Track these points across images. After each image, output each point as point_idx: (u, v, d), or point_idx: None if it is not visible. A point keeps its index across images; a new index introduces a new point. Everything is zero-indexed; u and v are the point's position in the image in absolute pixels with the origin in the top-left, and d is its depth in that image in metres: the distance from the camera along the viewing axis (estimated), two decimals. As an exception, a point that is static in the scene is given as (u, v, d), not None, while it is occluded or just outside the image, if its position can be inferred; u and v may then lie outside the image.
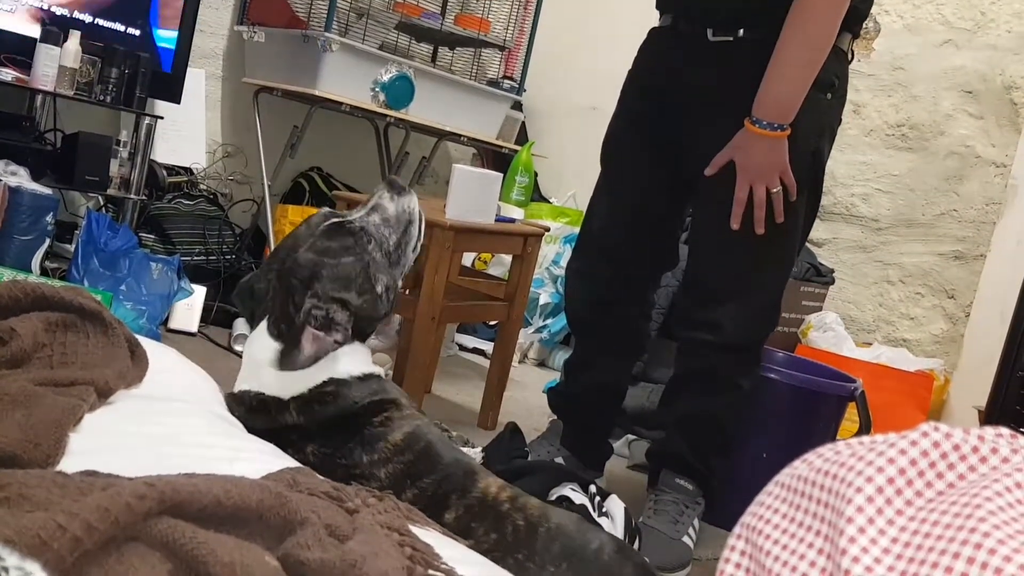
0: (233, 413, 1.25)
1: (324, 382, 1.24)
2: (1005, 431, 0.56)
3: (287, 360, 1.23)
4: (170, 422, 1.07)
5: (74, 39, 2.54)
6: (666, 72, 1.82)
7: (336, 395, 1.24)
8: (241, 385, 1.28)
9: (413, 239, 1.38)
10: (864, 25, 1.82)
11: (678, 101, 1.78)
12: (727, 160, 1.69)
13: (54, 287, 1.14)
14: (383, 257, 1.32)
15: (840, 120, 1.83)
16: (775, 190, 1.67)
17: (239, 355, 2.39)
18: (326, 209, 1.38)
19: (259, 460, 1.03)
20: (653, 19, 1.89)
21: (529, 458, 1.99)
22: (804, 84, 1.62)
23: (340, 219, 1.32)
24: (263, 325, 1.29)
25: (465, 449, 1.54)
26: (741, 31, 1.69)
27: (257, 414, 1.24)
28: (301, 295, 1.25)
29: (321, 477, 0.97)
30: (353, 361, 1.27)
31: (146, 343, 1.25)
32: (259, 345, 1.28)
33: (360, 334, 1.31)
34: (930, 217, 3.43)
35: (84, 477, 0.75)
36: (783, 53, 1.62)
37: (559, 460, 2.00)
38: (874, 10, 3.40)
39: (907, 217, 3.48)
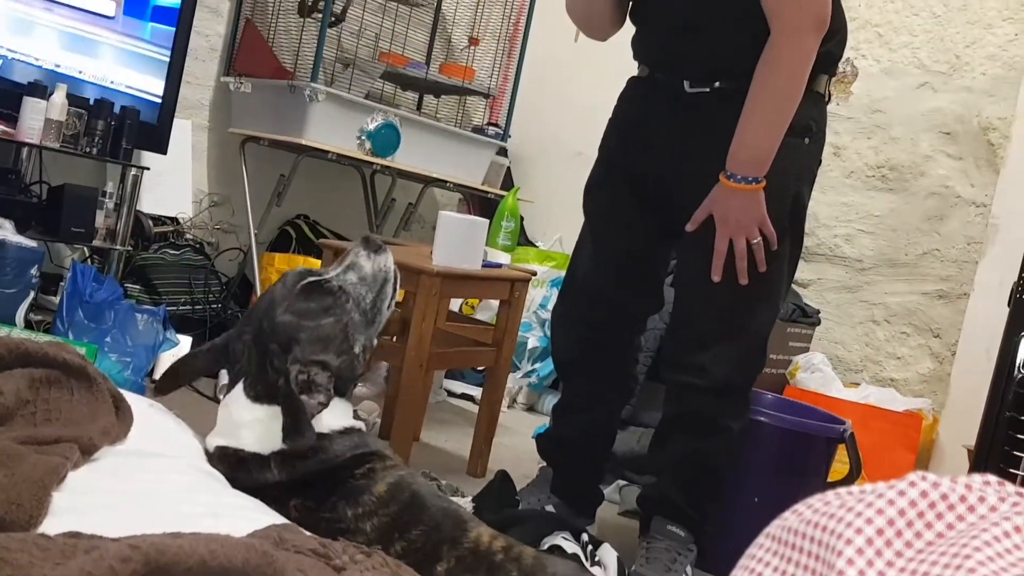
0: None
1: None
2: (992, 479, 0.56)
3: (289, 439, 1.20)
4: (155, 479, 1.06)
5: (60, 92, 2.56)
6: (645, 121, 1.84)
7: (317, 449, 1.22)
8: (215, 441, 1.26)
9: (388, 298, 1.36)
10: (842, 68, 1.86)
11: (657, 149, 1.80)
12: (706, 215, 1.70)
13: (38, 343, 1.14)
14: (360, 316, 1.30)
15: (820, 162, 1.85)
16: (755, 241, 1.68)
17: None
18: (301, 267, 1.37)
19: (244, 516, 1.01)
20: (634, 65, 1.92)
21: (520, 506, 1.97)
22: (775, 138, 1.64)
23: (317, 278, 1.30)
24: (239, 389, 1.27)
25: (454, 499, 1.52)
26: (717, 82, 1.72)
27: (238, 471, 1.22)
28: (281, 359, 1.23)
29: (308, 533, 0.96)
30: (333, 415, 1.26)
31: (131, 397, 1.24)
32: (237, 407, 1.26)
33: (338, 391, 1.30)
34: (913, 257, 3.46)
35: (67, 539, 0.74)
36: (752, 110, 1.64)
37: (550, 508, 1.98)
38: (851, 54, 3.47)
39: (890, 257, 3.51)
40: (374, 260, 1.35)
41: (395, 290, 1.38)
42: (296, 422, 1.19)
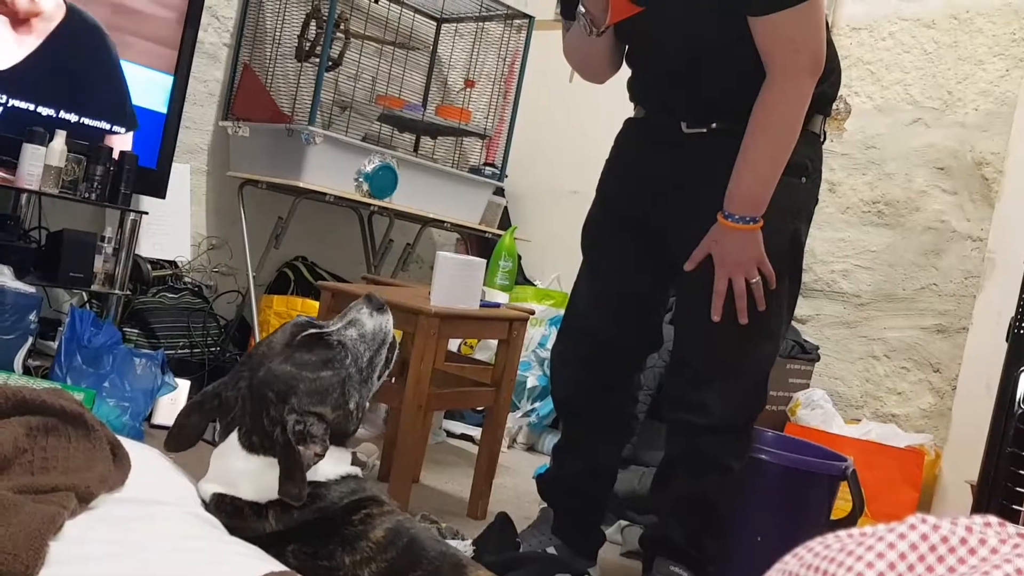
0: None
1: None
2: (993, 520, 0.56)
3: (283, 490, 1.18)
4: (152, 526, 1.06)
5: (60, 138, 2.58)
6: (642, 162, 1.86)
7: (314, 497, 1.21)
8: (211, 488, 1.24)
9: (383, 359, 1.36)
10: (835, 106, 1.88)
11: (655, 189, 1.81)
12: (705, 254, 1.71)
13: (35, 390, 1.13)
14: (357, 373, 1.30)
15: (817, 200, 1.86)
16: (754, 280, 1.68)
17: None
18: (303, 318, 1.35)
19: (242, 563, 1.01)
20: (628, 105, 1.94)
21: (521, 549, 1.96)
22: (772, 178, 1.66)
23: (318, 330, 1.30)
24: (234, 437, 1.26)
25: (454, 542, 1.51)
26: (714, 123, 1.74)
27: (235, 520, 1.20)
28: (278, 408, 1.22)
29: (306, 581, 0.95)
30: (330, 463, 1.25)
31: (128, 444, 1.23)
32: (233, 457, 1.25)
33: (335, 442, 1.29)
34: (910, 291, 3.47)
35: (63, 590, 0.74)
36: (748, 151, 1.65)
37: (551, 550, 1.97)
38: (844, 91, 3.51)
39: (888, 292, 3.51)
40: (376, 319, 1.35)
41: (392, 355, 1.38)
42: (291, 474, 1.18)
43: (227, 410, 1.29)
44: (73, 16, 2.76)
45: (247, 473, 1.23)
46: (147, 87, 2.95)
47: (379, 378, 1.36)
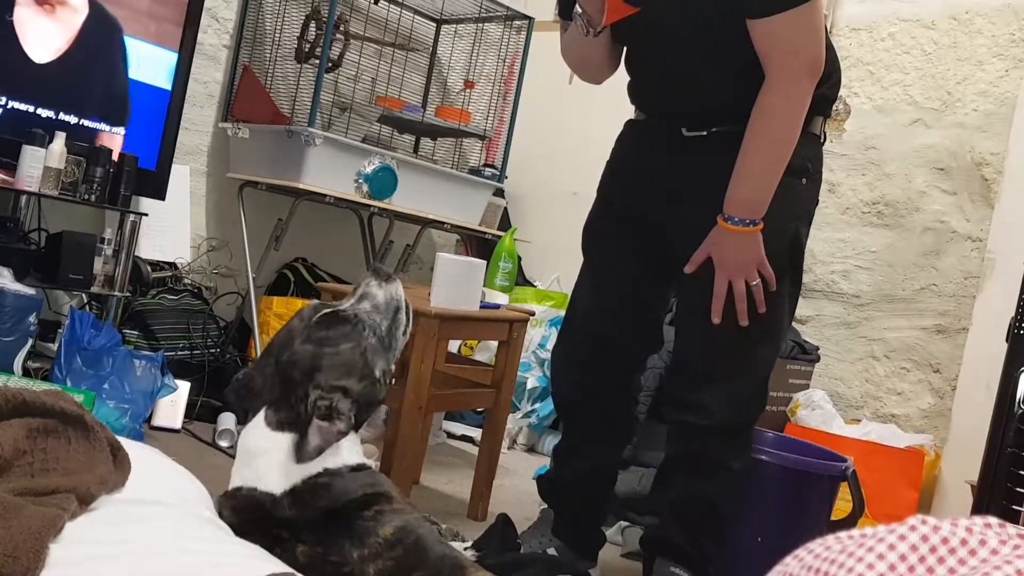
0: (223, 512, 1.24)
1: (319, 473, 1.24)
2: (993, 521, 0.56)
3: (298, 453, 1.23)
4: (153, 527, 1.06)
5: (59, 140, 2.57)
6: (643, 164, 1.86)
7: (329, 487, 1.23)
8: (235, 481, 1.27)
9: (402, 324, 1.40)
10: (835, 107, 1.88)
11: (655, 192, 1.81)
12: (705, 257, 1.71)
13: (35, 392, 1.13)
14: (377, 342, 1.33)
15: (817, 201, 1.86)
16: (754, 283, 1.68)
17: (224, 451, 2.37)
18: (316, 302, 1.40)
19: (245, 564, 1.01)
20: (628, 106, 1.94)
21: (521, 550, 1.96)
22: (772, 181, 1.66)
23: (332, 309, 1.33)
24: (260, 417, 1.29)
25: (455, 544, 1.52)
26: (714, 127, 1.74)
27: (248, 511, 1.22)
28: (304, 387, 1.26)
29: (308, 582, 0.95)
30: (347, 451, 1.28)
31: (129, 444, 1.23)
32: (255, 436, 1.27)
33: (358, 420, 1.31)
34: (910, 292, 3.47)
35: (64, 592, 0.73)
36: (748, 154, 1.65)
37: (552, 551, 1.97)
38: (843, 92, 3.51)
39: (888, 292, 3.51)
40: (385, 288, 1.38)
41: (409, 317, 1.41)
42: (300, 439, 1.22)
43: (256, 396, 1.32)
44: (95, 13, 2.77)
45: (270, 451, 1.25)
46: (151, 64, 2.94)
47: (404, 334, 1.40)
